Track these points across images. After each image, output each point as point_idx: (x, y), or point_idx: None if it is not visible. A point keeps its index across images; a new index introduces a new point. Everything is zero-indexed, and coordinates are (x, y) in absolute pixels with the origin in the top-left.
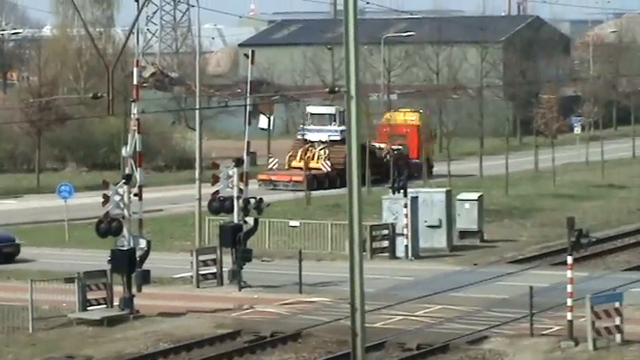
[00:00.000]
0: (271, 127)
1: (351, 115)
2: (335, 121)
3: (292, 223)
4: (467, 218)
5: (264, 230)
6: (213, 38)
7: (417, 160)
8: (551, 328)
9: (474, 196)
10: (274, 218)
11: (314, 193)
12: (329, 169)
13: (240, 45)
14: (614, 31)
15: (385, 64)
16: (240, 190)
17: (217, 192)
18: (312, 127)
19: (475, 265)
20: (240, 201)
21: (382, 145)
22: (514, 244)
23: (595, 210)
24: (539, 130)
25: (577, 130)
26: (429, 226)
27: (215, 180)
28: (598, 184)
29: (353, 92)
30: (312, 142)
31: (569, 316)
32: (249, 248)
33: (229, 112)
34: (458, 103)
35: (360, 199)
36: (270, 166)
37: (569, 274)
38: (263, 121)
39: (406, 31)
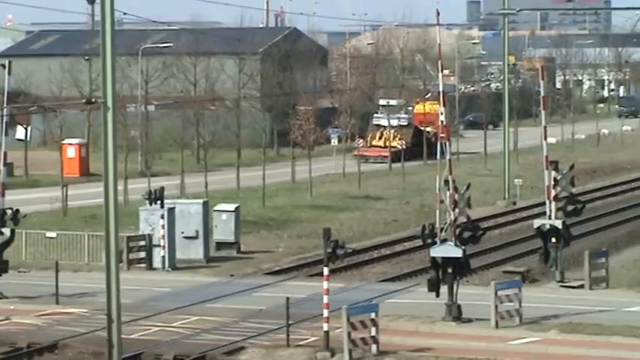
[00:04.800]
0: (28, 138)
1: (108, 126)
2: (402, 110)
3: (49, 234)
4: (224, 229)
5: (20, 241)
6: None
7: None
8: (308, 338)
9: (231, 207)
10: (31, 229)
11: (75, 203)
12: (403, 147)
13: None
14: (370, 43)
15: (143, 75)
16: None
17: None
18: (383, 115)
19: (232, 276)
20: None
21: (429, 129)
22: (271, 255)
23: (351, 221)
24: (296, 141)
25: (334, 141)
26: (185, 237)
27: None
28: (355, 195)
29: (110, 103)
30: (384, 126)
31: (325, 327)
32: (6, 259)
33: None
34: (215, 115)
35: (117, 211)
36: (356, 145)
37: (325, 285)
38: (20, 132)
39: (164, 43)
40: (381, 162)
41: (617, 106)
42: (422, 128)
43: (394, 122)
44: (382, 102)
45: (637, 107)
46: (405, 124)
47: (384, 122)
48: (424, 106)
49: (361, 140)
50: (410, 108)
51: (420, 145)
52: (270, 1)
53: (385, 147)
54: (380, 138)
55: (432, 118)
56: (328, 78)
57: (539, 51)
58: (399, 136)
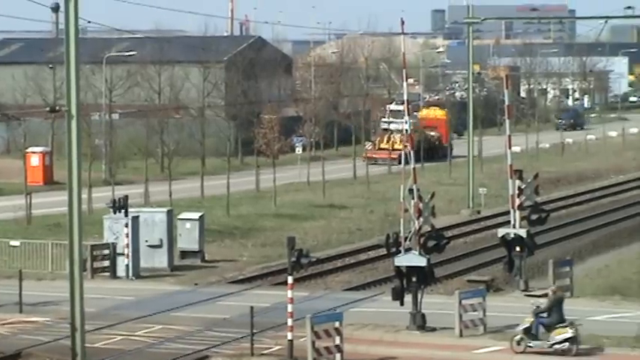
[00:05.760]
0: None
1: (72, 134)
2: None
3: (13, 242)
4: (188, 238)
5: None
6: None
7: (445, 145)
8: (272, 347)
9: (195, 215)
10: None
11: (39, 211)
12: (410, 150)
13: None
14: (335, 52)
15: (107, 83)
16: None
17: None
18: (391, 119)
19: (196, 284)
20: None
21: (433, 133)
22: (235, 264)
23: (316, 230)
24: (261, 150)
25: (298, 150)
26: (149, 246)
27: None
28: (319, 204)
29: (74, 111)
30: (392, 130)
31: (289, 335)
32: None
33: None
34: (179, 123)
35: (81, 220)
36: (366, 148)
37: (289, 293)
38: None
39: (128, 51)
40: (389, 164)
41: (556, 119)
42: (427, 132)
43: (400, 127)
44: (391, 107)
45: (576, 120)
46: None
47: (391, 126)
48: (428, 112)
49: (369, 143)
50: (415, 113)
51: (424, 149)
52: (235, 10)
53: (392, 150)
54: (387, 141)
55: (436, 123)
56: (293, 87)
57: (504, 60)
58: (404, 139)
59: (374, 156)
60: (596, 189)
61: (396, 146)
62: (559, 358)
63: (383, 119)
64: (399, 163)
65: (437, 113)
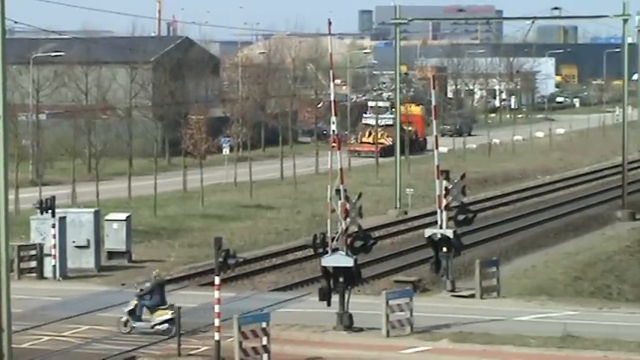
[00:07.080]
0: None
1: None
2: (388, 111)
3: None
4: (115, 238)
5: None
6: None
7: (421, 139)
8: (199, 348)
9: (122, 216)
10: None
11: None
12: (390, 143)
13: None
14: (262, 53)
15: (34, 84)
16: None
17: None
18: (372, 115)
19: (123, 285)
20: None
21: (410, 128)
22: (162, 264)
23: (243, 231)
24: (188, 150)
25: (226, 150)
26: (77, 247)
27: None
28: (246, 204)
29: (1, 112)
30: (372, 125)
31: (216, 336)
32: None
33: None
34: (107, 124)
35: (8, 220)
36: (350, 142)
37: (216, 294)
38: None
39: (55, 51)
40: (371, 156)
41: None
42: (405, 127)
43: (381, 122)
44: (371, 104)
45: (462, 126)
46: (391, 123)
47: (371, 122)
48: (406, 108)
49: (353, 137)
50: (394, 109)
51: (403, 142)
52: (162, 11)
53: (374, 143)
54: (369, 135)
55: (412, 119)
56: (220, 87)
57: (431, 60)
58: (385, 134)
59: (357, 149)
60: (522, 189)
61: (378, 140)
62: (162, 338)
63: (364, 115)
64: (382, 155)
65: (413, 109)
